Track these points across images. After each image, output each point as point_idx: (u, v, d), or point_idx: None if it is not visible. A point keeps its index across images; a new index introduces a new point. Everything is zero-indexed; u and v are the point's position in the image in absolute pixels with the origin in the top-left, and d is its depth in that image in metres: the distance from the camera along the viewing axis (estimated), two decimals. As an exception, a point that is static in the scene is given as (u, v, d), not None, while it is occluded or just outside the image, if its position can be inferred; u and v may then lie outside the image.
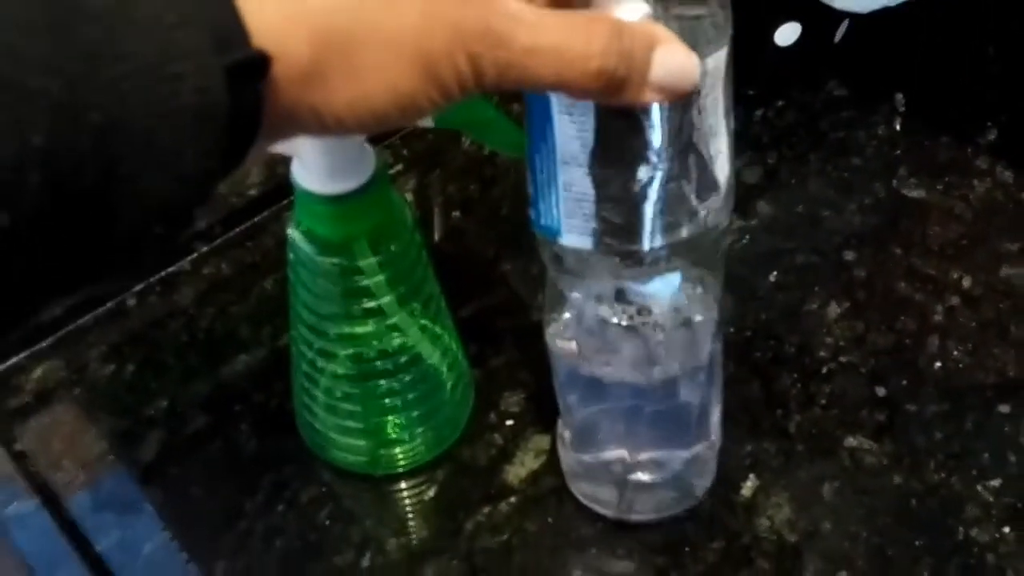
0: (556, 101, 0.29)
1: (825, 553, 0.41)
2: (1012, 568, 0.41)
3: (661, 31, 0.26)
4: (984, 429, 0.45)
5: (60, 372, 0.49)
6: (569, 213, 0.31)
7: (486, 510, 0.43)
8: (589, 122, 0.29)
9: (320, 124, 0.23)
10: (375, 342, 0.40)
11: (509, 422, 0.46)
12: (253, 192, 0.54)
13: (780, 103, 0.58)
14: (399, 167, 0.56)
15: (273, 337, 0.49)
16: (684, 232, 0.32)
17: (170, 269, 0.52)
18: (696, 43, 0.28)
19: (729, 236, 0.52)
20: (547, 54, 0.24)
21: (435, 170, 0.56)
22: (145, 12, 0.19)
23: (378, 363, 0.41)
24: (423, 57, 0.23)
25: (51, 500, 0.44)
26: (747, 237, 0.52)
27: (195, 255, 0.53)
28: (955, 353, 0.47)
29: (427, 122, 0.32)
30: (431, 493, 0.44)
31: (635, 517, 0.42)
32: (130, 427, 0.47)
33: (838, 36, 0.57)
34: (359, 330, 0.40)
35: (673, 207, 0.31)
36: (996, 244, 0.51)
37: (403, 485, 0.44)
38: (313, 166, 0.35)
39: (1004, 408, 0.46)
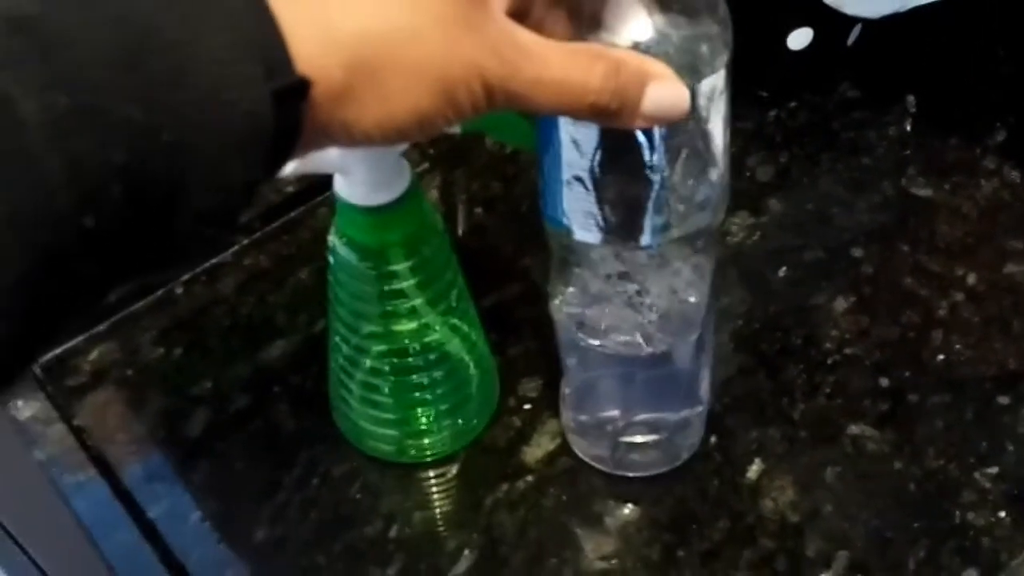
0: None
1: (826, 533, 0.44)
2: (1006, 551, 0.43)
3: (655, 66, 0.29)
4: (983, 419, 0.47)
5: (114, 354, 0.52)
6: (573, 210, 0.34)
7: (504, 488, 0.46)
8: (592, 132, 0.32)
9: (350, 138, 0.25)
10: (407, 340, 0.43)
11: (527, 406, 0.48)
12: (290, 189, 0.56)
13: (793, 104, 0.60)
14: (425, 165, 0.58)
15: (308, 324, 0.52)
16: (682, 230, 0.35)
17: (214, 261, 0.55)
18: (695, 62, 0.31)
19: (740, 232, 0.54)
20: (550, 86, 0.27)
21: (459, 168, 0.59)
22: (206, 44, 0.21)
23: (410, 359, 0.43)
24: (443, 83, 0.25)
25: (107, 471, 0.47)
26: (758, 233, 0.54)
27: (236, 248, 0.55)
28: (957, 346, 0.49)
29: (455, 129, 0.35)
30: (454, 471, 0.47)
31: (627, 473, 0.45)
32: (178, 405, 0.49)
33: (851, 40, 0.58)
34: (393, 328, 0.42)
35: (671, 208, 0.34)
36: (1001, 242, 0.53)
37: (427, 465, 0.47)
38: (354, 180, 0.38)
39: (1003, 399, 0.47)
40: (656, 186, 0.33)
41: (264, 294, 0.54)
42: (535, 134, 0.34)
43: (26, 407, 0.50)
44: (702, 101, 0.31)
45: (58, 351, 0.52)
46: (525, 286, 0.53)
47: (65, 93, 0.19)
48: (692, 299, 0.39)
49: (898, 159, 0.57)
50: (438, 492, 0.46)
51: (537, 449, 0.47)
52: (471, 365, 0.46)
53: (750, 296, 0.52)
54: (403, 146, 0.38)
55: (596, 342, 0.41)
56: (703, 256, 0.38)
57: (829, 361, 0.49)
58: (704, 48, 0.31)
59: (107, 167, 0.20)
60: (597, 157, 0.32)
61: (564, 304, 0.41)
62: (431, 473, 0.47)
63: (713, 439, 0.47)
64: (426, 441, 0.46)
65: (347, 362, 0.44)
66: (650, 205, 0.33)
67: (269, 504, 0.46)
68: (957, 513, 0.44)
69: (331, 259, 0.41)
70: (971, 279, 0.52)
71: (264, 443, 0.48)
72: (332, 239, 0.41)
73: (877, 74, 0.60)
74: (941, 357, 0.49)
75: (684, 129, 0.32)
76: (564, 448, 0.47)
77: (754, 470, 0.46)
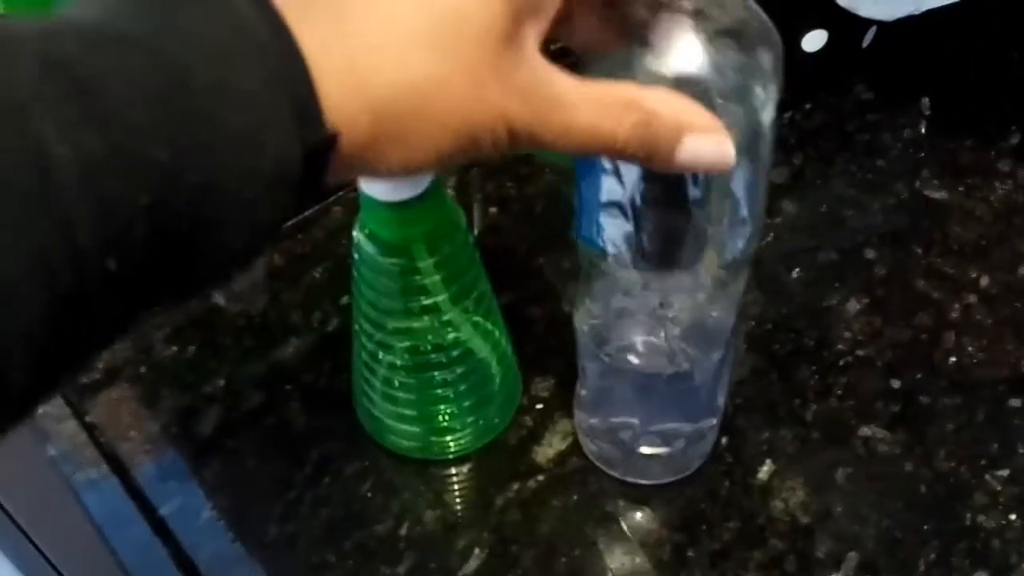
0: None
1: (836, 534, 0.44)
2: (1016, 553, 0.43)
3: (695, 116, 0.28)
4: (995, 421, 0.47)
5: (127, 351, 0.52)
6: (610, 235, 0.34)
7: (515, 487, 0.46)
8: (633, 168, 0.32)
9: (372, 174, 0.26)
10: (430, 336, 0.43)
11: (539, 406, 0.48)
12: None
13: (807, 106, 0.60)
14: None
15: (322, 322, 0.52)
16: (719, 260, 0.35)
17: (228, 258, 0.56)
18: (747, 98, 0.30)
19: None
20: (576, 135, 0.27)
21: (474, 168, 0.59)
22: (240, 88, 0.21)
23: (432, 356, 0.43)
24: (468, 128, 0.25)
25: (119, 468, 0.47)
26: (772, 235, 0.54)
27: (251, 246, 0.56)
28: (970, 349, 0.49)
29: None
30: (465, 470, 0.47)
31: (636, 480, 0.45)
32: (190, 403, 0.49)
33: (865, 42, 0.58)
34: (416, 325, 0.42)
35: (709, 239, 0.34)
36: (1015, 244, 0.53)
37: (439, 464, 0.47)
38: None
39: (1015, 402, 0.47)
40: (696, 218, 0.33)
41: (277, 292, 0.54)
42: (575, 160, 0.34)
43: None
44: (750, 138, 0.31)
45: (72, 348, 0.52)
46: (539, 285, 0.53)
47: (98, 134, 0.20)
48: (716, 315, 0.39)
49: (912, 161, 0.57)
50: (449, 491, 0.47)
51: (549, 449, 0.47)
52: (493, 363, 0.46)
53: (763, 297, 0.52)
54: None
55: (618, 355, 0.41)
56: (733, 278, 0.38)
57: (841, 362, 0.49)
58: (757, 84, 0.31)
59: (133, 209, 0.20)
60: (638, 187, 0.32)
61: (587, 316, 0.41)
62: (442, 472, 0.47)
63: (724, 440, 0.47)
64: (448, 438, 0.46)
65: (370, 358, 0.44)
66: (688, 236, 0.34)
67: (280, 502, 0.46)
68: (968, 515, 0.44)
69: (355, 254, 0.41)
70: (984, 281, 0.52)
71: (276, 441, 0.48)
72: (356, 234, 0.41)
73: (892, 76, 0.60)
74: (953, 359, 0.49)
75: (740, 164, 0.32)
76: (576, 448, 0.47)
77: (765, 471, 0.46)
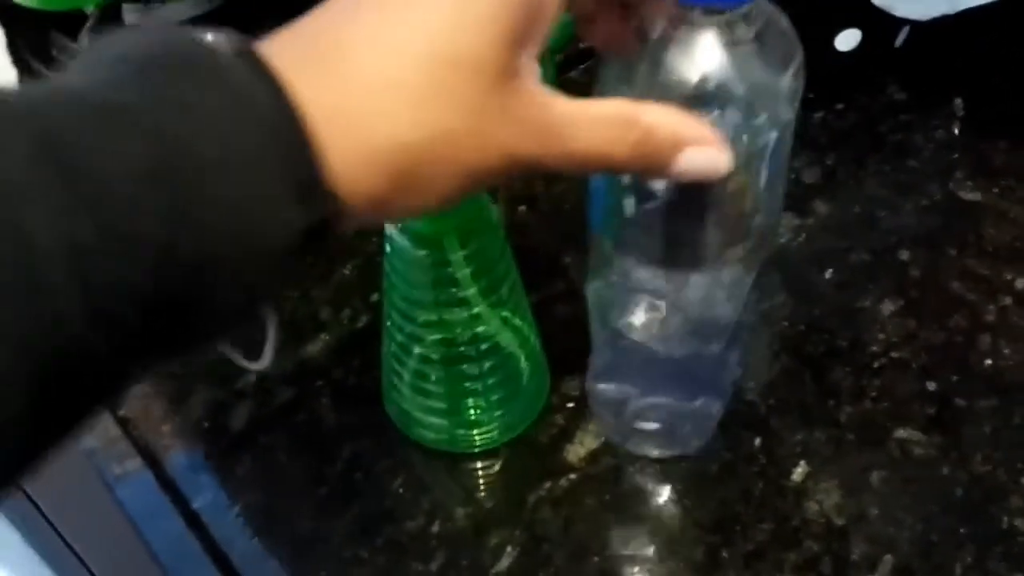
0: None
1: (871, 537, 0.43)
2: (1054, 558, 0.42)
3: (692, 130, 0.28)
4: (1032, 425, 0.46)
5: (159, 346, 0.53)
6: (625, 234, 0.35)
7: (547, 485, 0.46)
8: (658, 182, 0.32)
9: (381, 222, 0.27)
10: (460, 329, 0.43)
11: (570, 404, 0.48)
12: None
13: (840, 106, 0.59)
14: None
15: (352, 319, 0.52)
16: (734, 260, 0.35)
17: (259, 254, 0.56)
18: (767, 107, 0.31)
19: (786, 233, 0.54)
20: (576, 159, 0.27)
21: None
22: (238, 161, 0.21)
23: (462, 349, 0.43)
24: (476, 172, 0.26)
25: (152, 461, 0.48)
26: (803, 235, 0.54)
27: (281, 242, 0.56)
28: (1006, 351, 0.49)
29: None
30: (496, 468, 0.47)
31: (635, 449, 0.46)
32: (223, 398, 0.50)
33: (898, 41, 0.58)
34: (446, 318, 0.42)
35: (726, 243, 0.34)
36: (1051, 247, 0.52)
37: (470, 460, 0.47)
38: None
39: (1052, 405, 0.47)
40: (714, 219, 0.33)
41: (308, 289, 0.54)
42: None
43: (72, 397, 0.50)
44: (771, 146, 0.31)
45: (104, 342, 0.53)
46: (568, 284, 0.53)
47: (89, 217, 0.19)
48: (726, 304, 0.39)
49: (946, 162, 0.56)
50: (481, 489, 0.47)
51: (580, 447, 0.47)
52: (522, 358, 0.46)
53: (796, 298, 0.51)
54: None
55: (623, 329, 0.41)
56: (746, 273, 0.38)
57: (876, 364, 0.49)
58: (777, 88, 0.31)
59: (123, 288, 0.20)
60: (661, 196, 0.33)
61: (597, 287, 0.42)
62: (473, 469, 0.47)
63: (758, 441, 0.46)
64: (475, 432, 0.46)
65: (399, 349, 0.45)
66: (706, 237, 0.34)
67: (312, 497, 0.46)
68: (1005, 519, 0.43)
69: (387, 247, 0.41)
70: (1019, 283, 0.51)
71: (307, 436, 0.48)
72: (388, 226, 0.41)
73: (925, 76, 0.60)
74: (989, 362, 0.49)
75: (752, 172, 0.32)
76: (607, 447, 0.47)
77: (799, 472, 0.45)
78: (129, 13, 0.56)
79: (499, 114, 0.26)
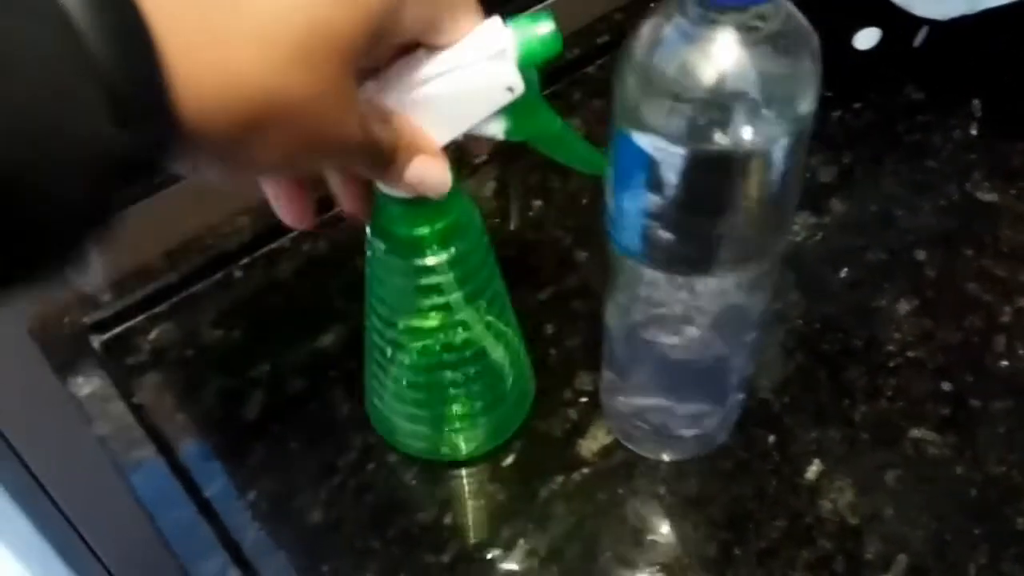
0: (652, 156, 0.32)
1: (885, 536, 0.43)
2: (1069, 560, 0.42)
3: (426, 142, 0.32)
4: (1047, 426, 0.46)
5: (174, 335, 0.52)
6: (648, 246, 0.35)
7: (560, 479, 0.46)
8: (677, 176, 0.32)
9: (220, 170, 0.26)
10: (442, 336, 0.42)
11: (583, 399, 0.48)
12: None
13: (858, 105, 0.59)
14: (483, 157, 0.59)
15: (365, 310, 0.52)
16: (749, 264, 0.36)
17: (272, 246, 0.55)
18: (786, 104, 0.31)
19: (802, 232, 0.54)
20: (367, 144, 0.30)
21: (518, 161, 0.59)
22: (34, 60, 0.20)
23: (444, 355, 0.42)
24: (315, 143, 0.27)
25: (164, 449, 0.48)
26: (820, 234, 0.54)
27: (295, 233, 0.56)
28: (1021, 352, 0.48)
29: (498, 135, 0.35)
30: (509, 461, 0.47)
31: (664, 457, 0.46)
32: (236, 386, 0.50)
33: (917, 41, 0.58)
34: (427, 324, 0.41)
35: (743, 248, 0.34)
36: (1068, 249, 0.52)
37: (484, 454, 0.47)
38: None
39: (1068, 407, 0.47)
40: (734, 226, 0.33)
41: (322, 279, 0.54)
42: (611, 166, 0.34)
43: (86, 384, 0.50)
44: (788, 143, 0.31)
45: (119, 329, 0.53)
46: (582, 278, 0.53)
47: None
48: (744, 302, 0.40)
49: (963, 163, 0.56)
50: (493, 482, 0.46)
51: (593, 442, 0.47)
52: (506, 364, 0.45)
53: (811, 296, 0.51)
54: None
55: (652, 344, 0.41)
56: (769, 271, 0.39)
57: (891, 364, 0.49)
58: (796, 87, 0.31)
59: None
60: (679, 199, 0.33)
61: (619, 310, 0.42)
62: (487, 463, 0.47)
63: (772, 439, 0.46)
64: (459, 439, 0.46)
65: (382, 356, 0.44)
66: (724, 243, 0.34)
67: (324, 487, 0.46)
68: (1019, 519, 0.43)
69: (368, 251, 0.40)
70: (1036, 285, 0.51)
71: (320, 426, 0.48)
72: (369, 231, 0.40)
73: (943, 77, 0.60)
74: (1004, 363, 0.48)
75: (772, 178, 0.32)
76: (619, 442, 0.47)
77: (813, 470, 0.45)
78: None
79: (353, 95, 0.27)
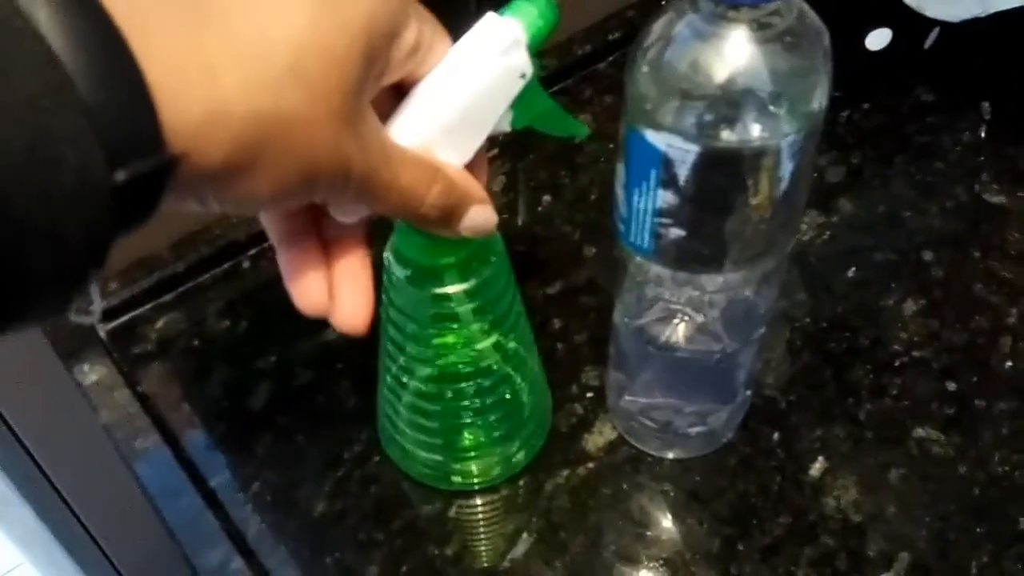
0: (665, 154, 0.32)
1: (888, 534, 0.43)
2: (1072, 562, 0.42)
3: (478, 191, 0.33)
4: (1052, 428, 0.46)
5: (181, 324, 0.52)
6: (660, 245, 0.35)
7: (565, 473, 0.46)
8: (691, 176, 0.32)
9: (215, 202, 0.25)
10: (461, 365, 0.41)
11: (589, 394, 0.48)
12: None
13: (867, 106, 0.59)
14: (494, 151, 0.59)
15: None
16: (758, 262, 0.36)
17: (281, 236, 0.56)
18: (797, 103, 0.31)
19: (810, 231, 0.54)
20: (395, 193, 0.29)
21: (527, 156, 0.59)
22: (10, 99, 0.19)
23: (462, 384, 0.42)
24: (316, 169, 0.26)
25: (169, 438, 0.48)
26: (828, 233, 0.54)
27: (303, 225, 0.56)
28: (1027, 354, 0.49)
29: (506, 127, 0.35)
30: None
31: (670, 455, 0.46)
32: (242, 377, 0.50)
33: (928, 43, 0.58)
34: (443, 351, 0.41)
35: (753, 245, 0.35)
36: (1075, 251, 0.52)
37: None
38: None
39: (1073, 409, 0.47)
40: (744, 224, 0.34)
41: (329, 271, 0.54)
42: (625, 164, 0.34)
43: (92, 372, 0.50)
44: (798, 141, 0.32)
45: (125, 318, 0.53)
46: (591, 274, 0.53)
47: None
48: (758, 297, 0.40)
49: (971, 165, 0.56)
50: (499, 475, 0.46)
51: (599, 437, 0.47)
52: (525, 392, 0.45)
53: (818, 295, 0.51)
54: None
55: (664, 342, 0.41)
56: (776, 266, 0.39)
57: (896, 363, 0.49)
58: (808, 85, 0.31)
59: None
60: (691, 196, 0.33)
61: (629, 309, 0.42)
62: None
63: (776, 435, 0.46)
64: (474, 468, 0.45)
65: (395, 382, 0.43)
66: (734, 240, 0.34)
67: (329, 478, 0.46)
68: (1021, 520, 0.43)
69: (384, 279, 0.39)
70: (1042, 288, 0.51)
71: (326, 418, 0.48)
72: (387, 256, 0.39)
73: (953, 79, 0.60)
74: (1009, 364, 0.48)
75: (783, 175, 0.32)
76: (625, 437, 0.47)
77: (817, 468, 0.45)
78: None
79: (353, 125, 0.26)
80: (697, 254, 0.35)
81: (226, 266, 0.55)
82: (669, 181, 0.33)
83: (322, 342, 0.51)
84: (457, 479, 0.45)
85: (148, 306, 0.53)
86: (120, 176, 0.21)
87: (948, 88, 0.60)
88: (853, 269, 0.52)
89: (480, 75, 0.32)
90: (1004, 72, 0.60)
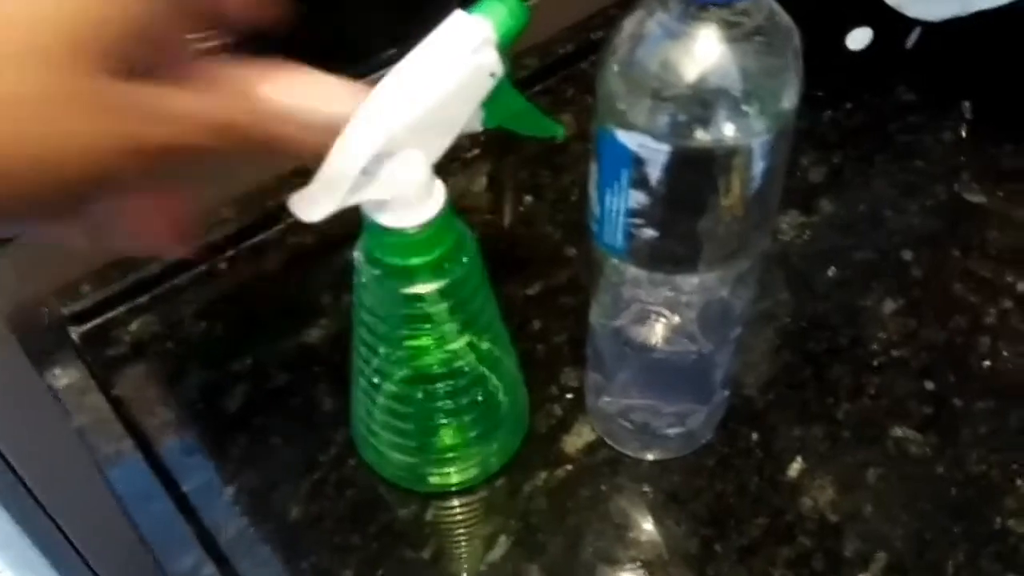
0: (636, 154, 0.32)
1: (865, 534, 0.43)
2: (1048, 560, 0.42)
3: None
4: (1030, 428, 0.46)
5: (155, 326, 0.52)
6: (633, 245, 0.35)
7: (543, 475, 0.45)
8: (662, 174, 0.32)
9: None
10: (435, 366, 0.41)
11: (568, 395, 0.48)
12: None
13: (849, 105, 0.59)
14: (475, 152, 0.58)
15: (352, 305, 0.52)
16: (733, 262, 0.36)
17: (259, 237, 0.55)
18: (770, 101, 0.31)
19: (790, 231, 0.54)
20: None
21: (509, 156, 0.59)
22: None
23: (437, 385, 0.41)
24: (91, 153, 0.24)
25: (143, 442, 0.47)
26: (808, 233, 0.54)
27: (282, 226, 0.55)
28: (1005, 353, 0.49)
29: (477, 126, 0.35)
30: (492, 457, 0.47)
31: (649, 456, 0.46)
32: (217, 380, 0.49)
33: (909, 43, 0.58)
34: (417, 353, 0.40)
35: (727, 245, 0.34)
36: (1054, 251, 0.52)
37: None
38: (384, 202, 0.35)
39: (1051, 409, 0.47)
40: (718, 223, 0.33)
41: (308, 273, 0.54)
42: (596, 163, 0.34)
43: (64, 375, 0.50)
44: (775, 137, 0.31)
45: (98, 320, 0.52)
46: (571, 274, 0.53)
47: None
48: (733, 297, 0.39)
49: (952, 164, 0.56)
50: (476, 477, 0.46)
51: (578, 439, 0.47)
52: (500, 391, 0.44)
53: (798, 295, 0.51)
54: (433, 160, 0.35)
55: (639, 344, 0.41)
56: (751, 266, 0.38)
57: (875, 363, 0.48)
58: (777, 87, 0.31)
59: None
60: (663, 196, 0.33)
61: (604, 311, 0.42)
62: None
63: (755, 435, 0.46)
64: (451, 470, 0.45)
65: (369, 384, 0.42)
66: (708, 240, 0.34)
67: (305, 482, 0.45)
68: (998, 519, 0.43)
69: (356, 277, 0.39)
70: (1021, 287, 0.51)
71: (302, 421, 0.48)
72: (358, 256, 0.38)
73: (934, 78, 0.60)
74: (987, 363, 0.48)
75: (756, 174, 0.32)
76: (604, 439, 0.46)
77: (795, 468, 0.45)
78: None
79: (93, 99, 0.24)
80: (670, 254, 0.35)
81: (203, 268, 0.54)
82: (640, 181, 0.32)
83: (299, 344, 0.50)
84: (434, 480, 0.45)
85: (122, 308, 0.52)
86: None
87: (929, 88, 0.60)
88: (833, 268, 0.52)
89: (449, 73, 0.31)
90: (985, 72, 0.60)
